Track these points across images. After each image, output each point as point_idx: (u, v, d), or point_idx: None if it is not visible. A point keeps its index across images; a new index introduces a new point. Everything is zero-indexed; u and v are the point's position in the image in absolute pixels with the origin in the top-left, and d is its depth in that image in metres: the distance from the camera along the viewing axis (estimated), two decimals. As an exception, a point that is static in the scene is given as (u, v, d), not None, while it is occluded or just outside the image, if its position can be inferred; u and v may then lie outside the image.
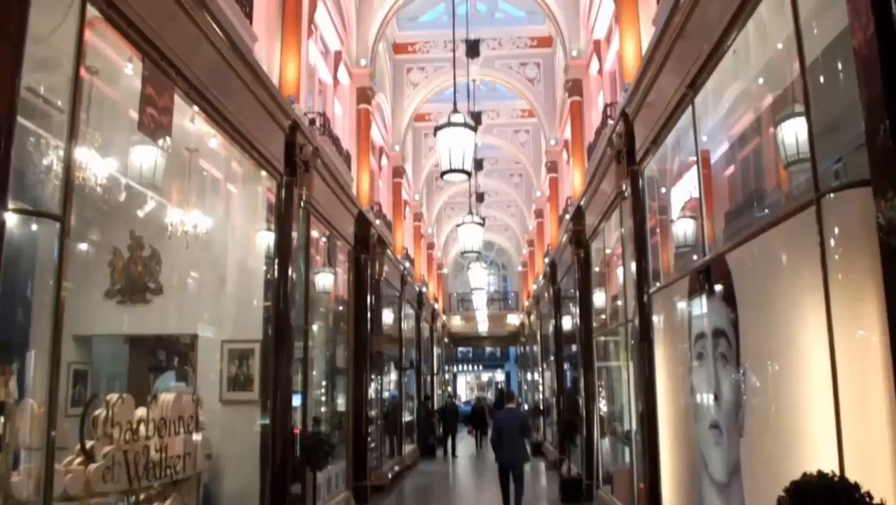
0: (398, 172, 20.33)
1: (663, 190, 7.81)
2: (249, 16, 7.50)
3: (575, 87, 14.98)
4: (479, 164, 24.40)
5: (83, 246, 7.60)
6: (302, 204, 8.81)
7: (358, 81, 14.97)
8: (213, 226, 7.93)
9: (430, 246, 29.09)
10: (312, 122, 10.69)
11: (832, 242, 3.40)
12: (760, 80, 5.26)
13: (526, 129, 24.02)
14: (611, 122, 9.91)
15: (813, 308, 3.52)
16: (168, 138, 5.28)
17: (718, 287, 5.07)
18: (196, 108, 5.96)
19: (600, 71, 13.37)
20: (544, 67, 19.86)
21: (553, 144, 19.37)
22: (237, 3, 7.01)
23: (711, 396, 5.16)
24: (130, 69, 5.08)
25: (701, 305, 5.55)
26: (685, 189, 6.73)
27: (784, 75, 4.68)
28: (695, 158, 6.01)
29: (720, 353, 4.97)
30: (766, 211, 5.27)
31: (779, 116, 4.69)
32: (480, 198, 25.24)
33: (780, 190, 4.92)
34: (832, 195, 3.42)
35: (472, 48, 17.79)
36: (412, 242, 23.91)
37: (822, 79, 3.83)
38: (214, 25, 5.86)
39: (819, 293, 3.43)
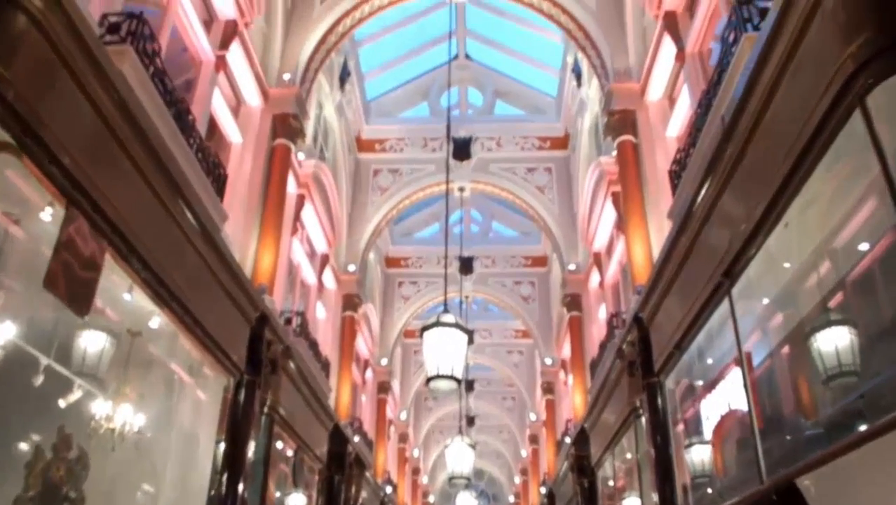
0: (384, 388, 19.03)
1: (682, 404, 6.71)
2: (220, 192, 6.78)
3: (574, 302, 14.31)
4: (469, 385, 23.41)
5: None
6: (265, 410, 7.62)
7: (345, 288, 14.27)
8: (152, 427, 6.65)
9: (416, 471, 26.95)
10: (289, 321, 9.76)
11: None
12: (818, 260, 4.36)
13: (520, 349, 23.18)
14: (618, 332, 8.97)
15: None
16: (87, 307, 4.24)
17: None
18: (137, 278, 4.98)
19: (601, 284, 12.70)
20: (539, 286, 19.48)
21: (549, 364, 18.34)
22: (205, 172, 6.30)
23: None
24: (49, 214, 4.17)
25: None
26: (720, 401, 5.60)
27: (851, 252, 3.80)
28: (735, 360, 4.96)
29: None
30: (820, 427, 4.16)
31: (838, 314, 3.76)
32: (471, 421, 23.77)
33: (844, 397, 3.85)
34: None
35: (466, 265, 17.48)
36: (396, 465, 21.97)
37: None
38: (165, 184, 5.07)
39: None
